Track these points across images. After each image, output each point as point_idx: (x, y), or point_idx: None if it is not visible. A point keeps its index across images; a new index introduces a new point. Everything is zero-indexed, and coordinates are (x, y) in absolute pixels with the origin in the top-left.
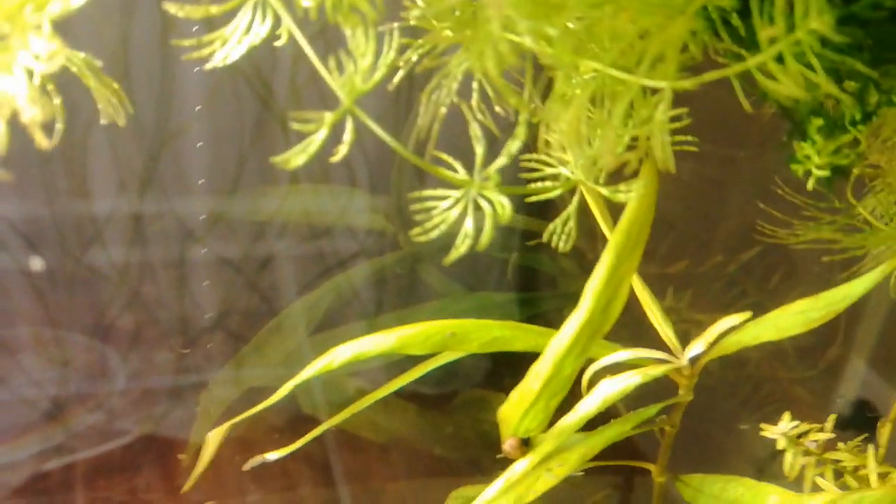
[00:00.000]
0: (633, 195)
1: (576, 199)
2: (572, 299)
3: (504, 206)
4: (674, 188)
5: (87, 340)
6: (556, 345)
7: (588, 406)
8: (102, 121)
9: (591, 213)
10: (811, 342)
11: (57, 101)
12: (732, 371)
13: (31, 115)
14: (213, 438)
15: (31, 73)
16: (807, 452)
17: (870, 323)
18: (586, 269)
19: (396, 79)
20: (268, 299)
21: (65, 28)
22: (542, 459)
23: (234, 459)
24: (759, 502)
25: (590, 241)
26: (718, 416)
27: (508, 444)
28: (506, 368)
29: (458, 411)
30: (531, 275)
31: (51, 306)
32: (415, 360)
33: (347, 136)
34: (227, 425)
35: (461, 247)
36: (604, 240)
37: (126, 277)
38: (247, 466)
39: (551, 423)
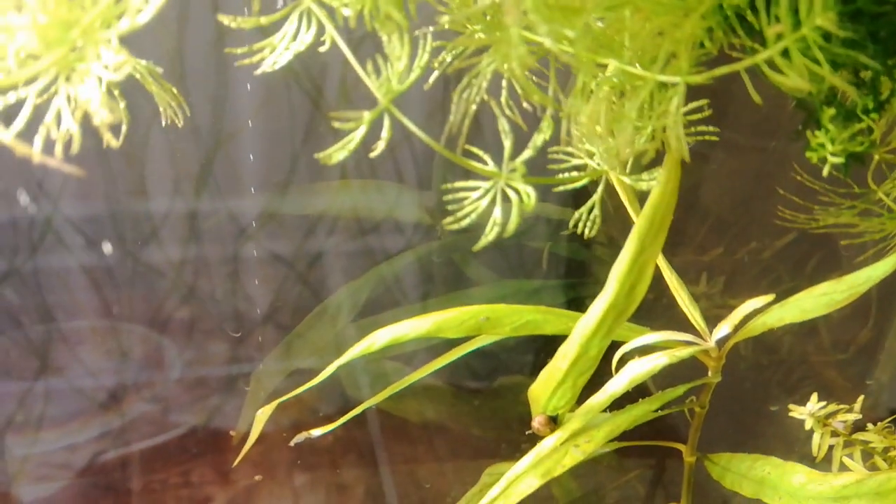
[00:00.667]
0: (656, 183)
1: (600, 189)
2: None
3: (529, 195)
4: (710, 177)
5: (144, 333)
6: (582, 326)
7: (616, 386)
8: (163, 122)
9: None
10: (853, 325)
11: (122, 104)
12: (772, 354)
13: (102, 118)
14: (261, 417)
15: (101, 81)
16: (835, 433)
17: None
18: None
19: (432, 79)
20: (317, 292)
21: (126, 36)
22: (570, 436)
23: (286, 441)
24: (786, 480)
25: (624, 229)
26: (757, 397)
27: (537, 421)
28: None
29: (498, 396)
30: (568, 263)
31: (110, 301)
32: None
33: (385, 133)
34: (273, 404)
35: (489, 234)
36: None
37: (181, 273)
38: (293, 442)
39: (581, 402)
